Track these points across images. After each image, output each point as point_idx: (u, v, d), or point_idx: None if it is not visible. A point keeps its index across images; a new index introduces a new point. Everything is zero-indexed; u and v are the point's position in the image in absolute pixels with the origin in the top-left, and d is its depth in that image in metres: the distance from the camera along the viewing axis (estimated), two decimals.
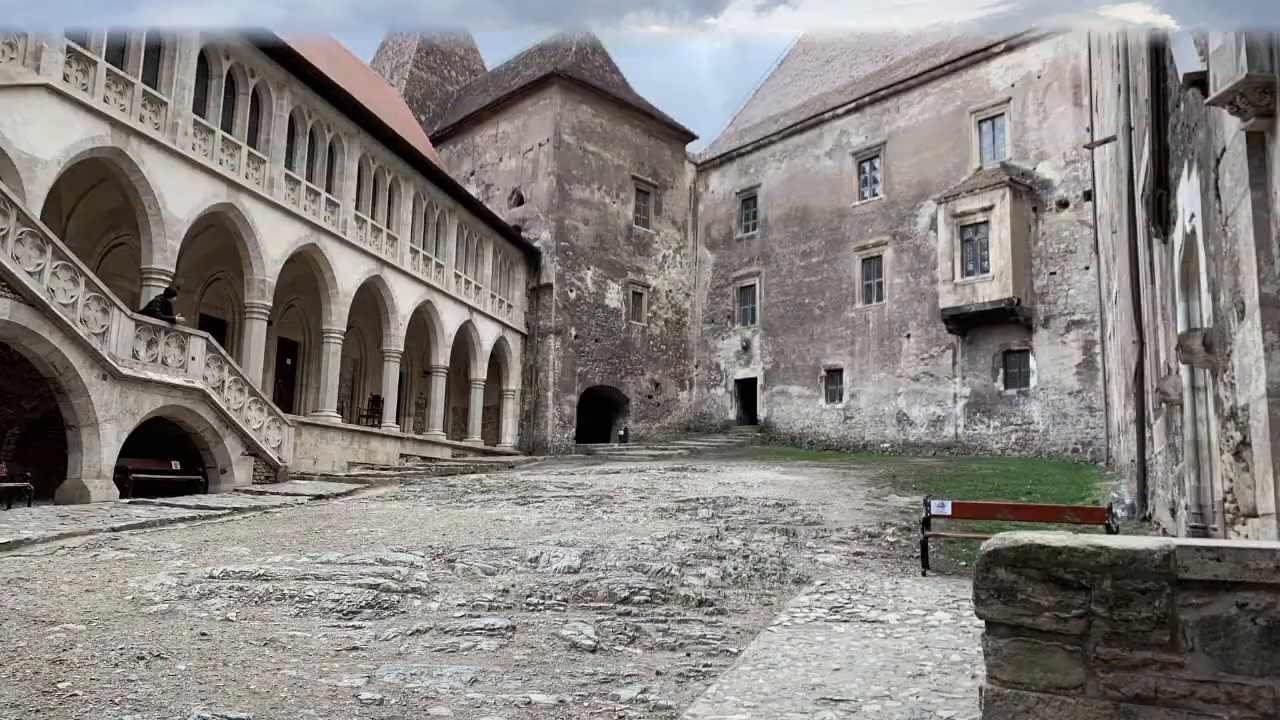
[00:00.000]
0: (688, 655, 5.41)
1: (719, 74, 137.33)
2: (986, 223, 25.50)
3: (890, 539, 10.36)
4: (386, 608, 6.56)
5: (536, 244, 31.98)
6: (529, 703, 4.34)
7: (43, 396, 14.08)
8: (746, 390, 34.28)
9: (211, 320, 21.42)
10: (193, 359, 15.85)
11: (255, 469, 17.32)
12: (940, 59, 29.04)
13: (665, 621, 6.21)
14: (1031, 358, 25.42)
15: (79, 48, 14.55)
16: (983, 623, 2.33)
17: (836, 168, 31.71)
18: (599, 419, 33.70)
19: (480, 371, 28.85)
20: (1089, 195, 23.44)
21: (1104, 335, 20.99)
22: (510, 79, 36.64)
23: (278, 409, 18.61)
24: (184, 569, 7.78)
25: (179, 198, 16.56)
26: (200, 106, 17.55)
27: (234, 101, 18.76)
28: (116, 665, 4.78)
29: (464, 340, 28.07)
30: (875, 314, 29.72)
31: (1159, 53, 6.40)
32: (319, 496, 15.38)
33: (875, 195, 30.37)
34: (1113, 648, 2.16)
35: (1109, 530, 8.12)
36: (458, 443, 27.60)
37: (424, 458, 24.69)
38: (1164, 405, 7.95)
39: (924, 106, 29.09)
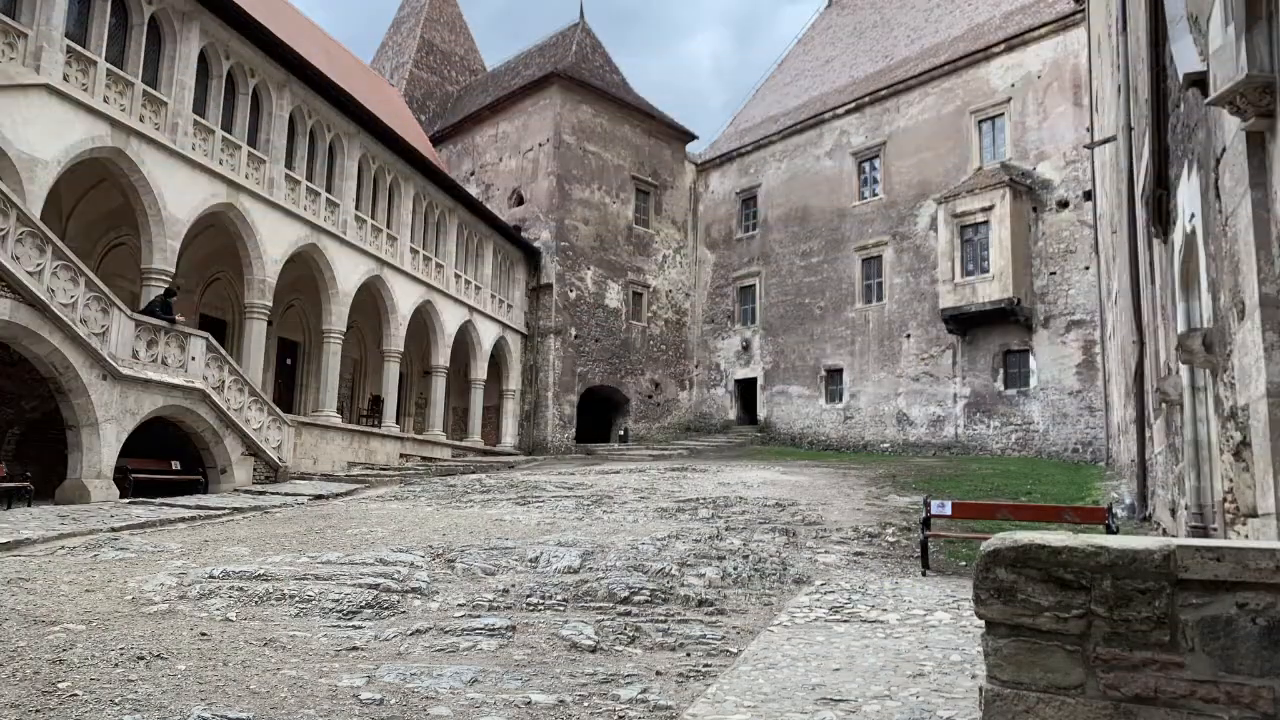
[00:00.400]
0: (688, 655, 5.41)
1: (719, 74, 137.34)
2: (986, 223, 25.50)
3: (890, 539, 10.36)
4: (386, 608, 6.56)
5: (536, 244, 31.98)
6: (529, 703, 4.34)
7: (43, 396, 14.08)
8: (746, 390, 34.28)
9: (211, 320, 21.42)
10: (193, 359, 15.86)
11: (255, 469, 17.32)
12: (940, 59, 29.05)
13: (665, 621, 6.21)
14: (1031, 358, 25.42)
15: (79, 48, 14.55)
16: (983, 623, 2.33)
17: (836, 168, 31.71)
18: (599, 419, 33.70)
19: (480, 371, 28.86)
20: (1089, 195, 23.44)
21: (1104, 335, 21.00)
22: (510, 79, 36.64)
23: (278, 409, 18.61)
24: (184, 569, 7.78)
25: (179, 198, 16.56)
26: (200, 106, 17.55)
27: (234, 101, 18.76)
28: (116, 665, 4.78)
29: (464, 340, 28.07)
30: (875, 314, 29.72)
31: (1159, 52, 6.40)
32: (319, 496, 15.39)
33: (875, 195, 30.37)
34: (1113, 648, 2.15)
35: (1109, 530, 8.12)
36: (458, 443, 27.60)
37: (424, 458, 24.70)
38: (1164, 405, 7.95)
39: (924, 106, 29.09)
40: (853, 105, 31.29)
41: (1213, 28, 3.78)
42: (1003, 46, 26.97)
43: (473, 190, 32.62)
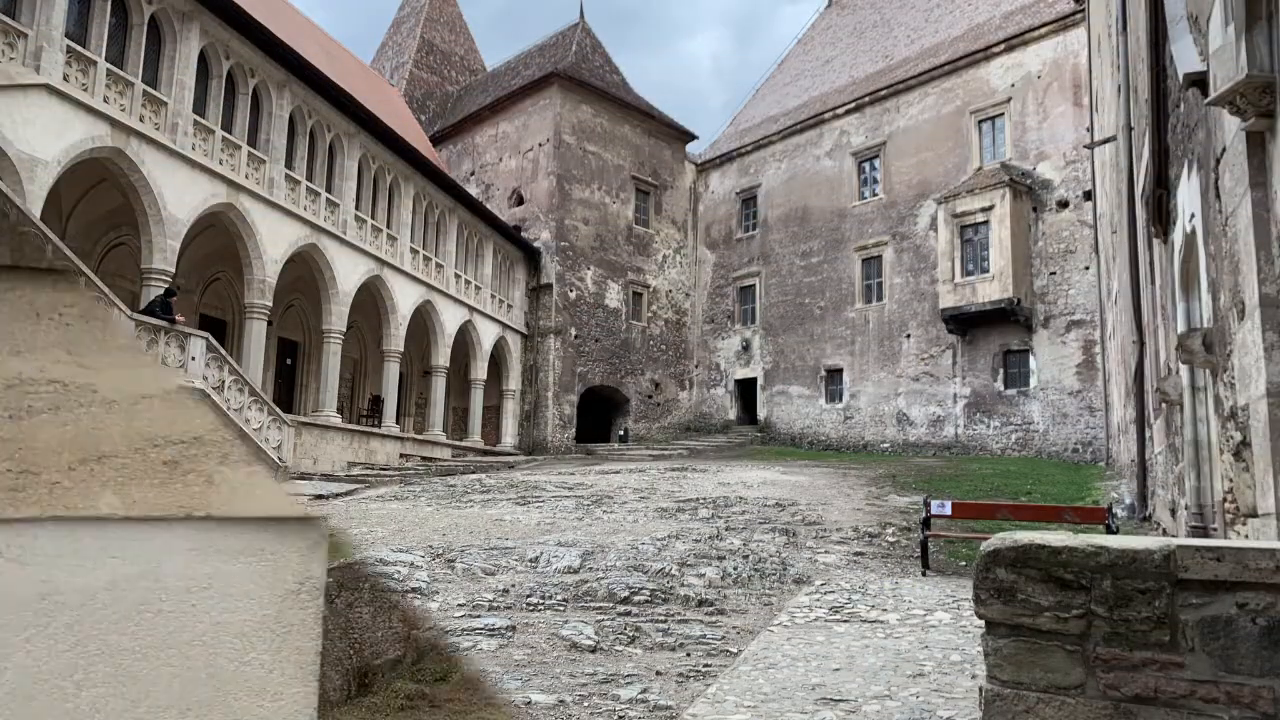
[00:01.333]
0: (688, 655, 5.41)
1: (719, 74, 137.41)
2: (986, 223, 25.50)
3: (890, 539, 10.36)
4: None
5: (536, 244, 31.99)
6: (529, 703, 4.34)
7: None
8: (746, 390, 34.28)
9: (211, 320, 21.42)
10: (193, 359, 15.85)
11: None
12: (940, 59, 29.05)
13: (665, 621, 6.21)
14: (1031, 358, 25.42)
15: (79, 48, 14.55)
16: (983, 623, 2.33)
17: (836, 168, 31.71)
18: (599, 419, 33.70)
19: (480, 371, 28.86)
20: (1089, 195, 23.44)
21: (1104, 335, 21.00)
22: (510, 79, 36.65)
23: (278, 409, 18.59)
24: None
25: (179, 198, 16.56)
26: (200, 106, 17.55)
27: (234, 101, 18.76)
28: None
29: (464, 340, 28.07)
30: (875, 314, 29.72)
31: (1159, 53, 6.40)
32: (319, 496, 15.38)
33: (875, 195, 30.37)
34: (1113, 648, 2.15)
35: (1109, 530, 8.12)
36: (458, 443, 27.60)
37: (424, 458, 24.70)
38: (1164, 405, 7.96)
39: (924, 106, 29.09)
40: (853, 105, 31.29)
41: (1213, 28, 3.78)
42: (1003, 46, 26.97)
43: (473, 190, 32.62)
